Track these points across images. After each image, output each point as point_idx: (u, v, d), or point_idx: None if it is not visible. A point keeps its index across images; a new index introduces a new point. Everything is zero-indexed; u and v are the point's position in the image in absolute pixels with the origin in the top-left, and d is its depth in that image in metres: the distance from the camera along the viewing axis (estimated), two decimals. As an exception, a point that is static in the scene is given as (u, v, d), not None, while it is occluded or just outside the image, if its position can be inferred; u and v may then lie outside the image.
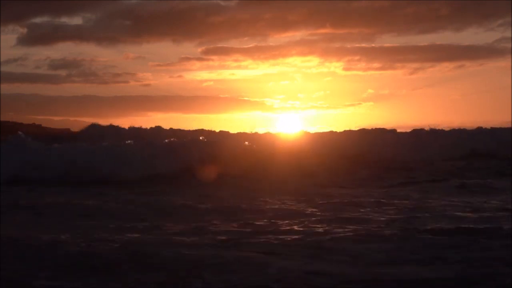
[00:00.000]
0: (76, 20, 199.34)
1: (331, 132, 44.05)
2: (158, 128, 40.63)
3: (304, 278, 8.22)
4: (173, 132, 40.75)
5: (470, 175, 26.29)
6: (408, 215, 14.13)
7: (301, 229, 12.08)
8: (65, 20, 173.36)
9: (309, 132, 43.53)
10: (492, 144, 38.77)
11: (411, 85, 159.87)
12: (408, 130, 43.05)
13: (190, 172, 23.21)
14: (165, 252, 9.54)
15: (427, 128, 41.47)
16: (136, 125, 38.99)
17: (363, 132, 41.73)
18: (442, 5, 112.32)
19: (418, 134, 41.16)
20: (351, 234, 11.39)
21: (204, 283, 8.00)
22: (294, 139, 40.00)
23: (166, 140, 27.10)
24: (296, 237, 11.24)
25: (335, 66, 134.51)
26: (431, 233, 11.50)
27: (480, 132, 42.25)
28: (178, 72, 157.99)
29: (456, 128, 43.62)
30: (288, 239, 11.02)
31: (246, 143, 28.81)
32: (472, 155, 36.65)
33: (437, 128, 41.53)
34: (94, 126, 41.42)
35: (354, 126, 40.86)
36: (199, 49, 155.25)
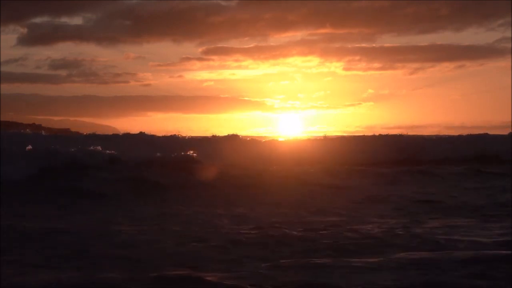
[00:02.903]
0: (76, 20, 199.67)
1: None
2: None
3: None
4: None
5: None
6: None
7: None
8: (65, 20, 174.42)
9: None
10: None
11: (411, 85, 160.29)
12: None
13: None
14: None
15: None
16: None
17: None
18: (442, 5, 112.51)
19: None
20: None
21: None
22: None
23: None
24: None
25: (335, 66, 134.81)
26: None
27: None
28: (178, 72, 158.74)
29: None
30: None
31: None
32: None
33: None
34: None
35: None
36: (200, 49, 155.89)
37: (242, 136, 38.32)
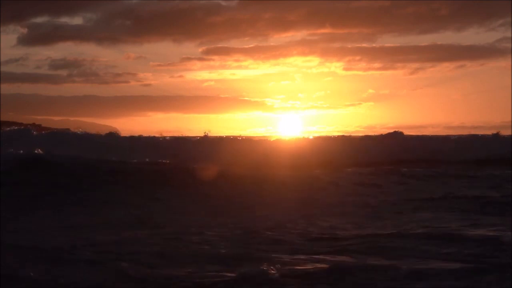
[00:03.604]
0: (76, 20, 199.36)
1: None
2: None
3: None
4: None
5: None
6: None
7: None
8: (65, 20, 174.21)
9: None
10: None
11: (412, 85, 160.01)
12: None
13: None
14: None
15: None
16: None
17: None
18: (443, 5, 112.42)
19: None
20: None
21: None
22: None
23: None
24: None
25: (336, 66, 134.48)
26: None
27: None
28: (178, 72, 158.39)
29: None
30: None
31: None
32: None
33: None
34: None
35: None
36: (200, 49, 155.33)
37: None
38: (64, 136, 34.28)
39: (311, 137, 44.91)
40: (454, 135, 43.72)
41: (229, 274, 8.61)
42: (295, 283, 8.24)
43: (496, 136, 43.09)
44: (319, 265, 9.16)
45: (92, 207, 16.50)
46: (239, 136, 42.49)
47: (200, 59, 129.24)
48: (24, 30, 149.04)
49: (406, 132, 43.57)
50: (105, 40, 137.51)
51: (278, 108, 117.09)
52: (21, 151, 23.08)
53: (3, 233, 12.06)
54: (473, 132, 43.92)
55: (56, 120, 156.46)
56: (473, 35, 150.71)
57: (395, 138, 41.63)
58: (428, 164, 33.95)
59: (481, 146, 41.20)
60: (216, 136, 40.21)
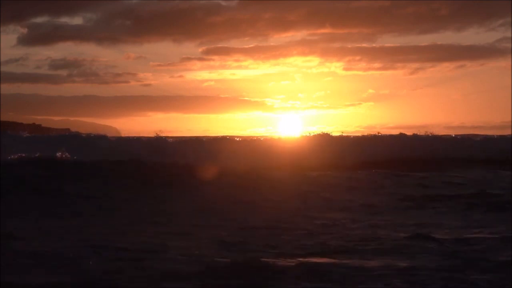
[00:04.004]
0: (76, 20, 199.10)
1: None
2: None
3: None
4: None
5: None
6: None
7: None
8: (65, 20, 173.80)
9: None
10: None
11: (412, 85, 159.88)
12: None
13: None
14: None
15: None
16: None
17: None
18: (443, 5, 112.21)
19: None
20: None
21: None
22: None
23: None
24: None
25: (336, 66, 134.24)
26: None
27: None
28: (179, 72, 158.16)
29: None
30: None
31: None
32: None
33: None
34: None
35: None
36: (200, 49, 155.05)
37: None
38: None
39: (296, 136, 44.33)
40: (453, 135, 43.55)
41: (220, 274, 8.67)
42: (286, 282, 8.29)
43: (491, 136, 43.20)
44: (312, 264, 9.22)
45: (90, 207, 16.57)
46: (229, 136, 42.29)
47: (200, 59, 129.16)
48: (24, 30, 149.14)
49: (406, 132, 43.42)
50: (105, 40, 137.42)
51: (278, 108, 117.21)
52: (20, 153, 23.20)
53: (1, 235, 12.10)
54: (473, 132, 43.88)
55: (56, 120, 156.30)
56: (473, 35, 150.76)
57: (393, 139, 41.54)
58: (427, 164, 33.95)
59: (480, 146, 41.22)
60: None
